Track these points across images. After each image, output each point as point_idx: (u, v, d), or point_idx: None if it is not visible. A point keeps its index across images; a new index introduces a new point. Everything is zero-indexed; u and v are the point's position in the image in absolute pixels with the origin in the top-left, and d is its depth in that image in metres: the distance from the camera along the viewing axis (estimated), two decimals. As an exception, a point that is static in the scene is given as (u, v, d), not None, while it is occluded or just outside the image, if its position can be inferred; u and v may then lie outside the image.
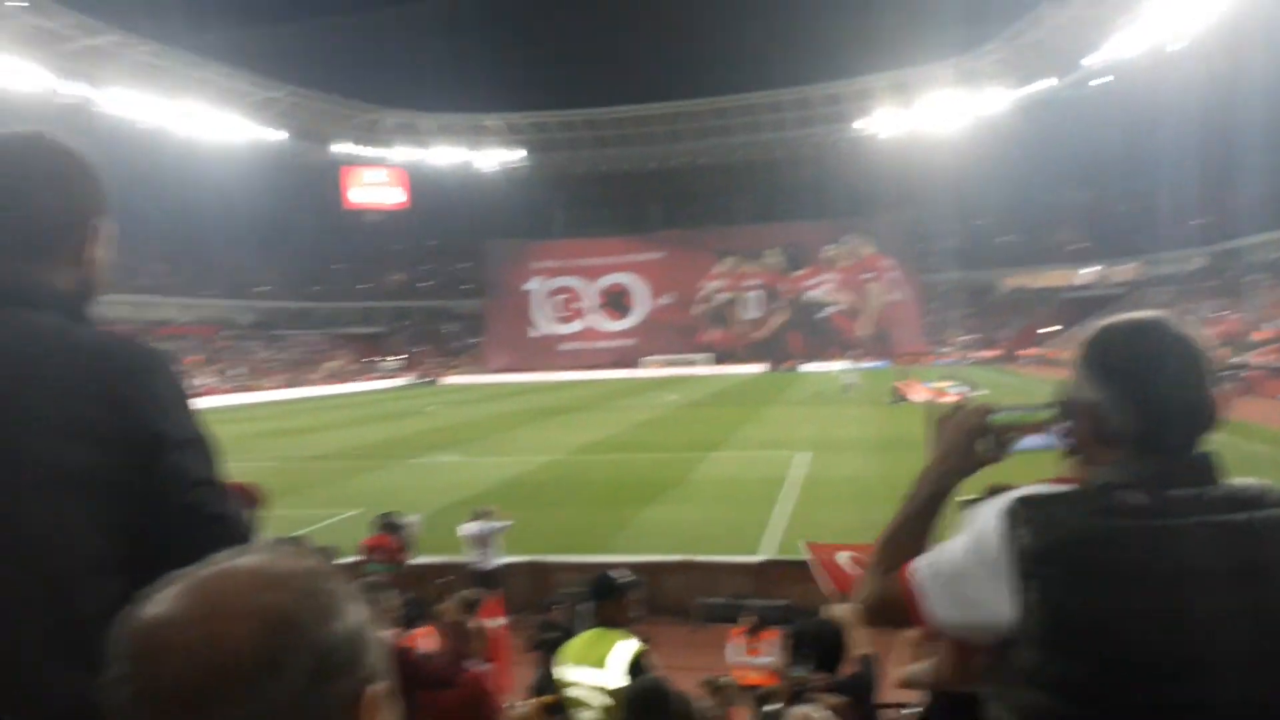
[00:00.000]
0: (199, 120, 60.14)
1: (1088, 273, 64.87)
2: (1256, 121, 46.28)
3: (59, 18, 47.18)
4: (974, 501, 1.47)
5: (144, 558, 1.12)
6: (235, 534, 1.22)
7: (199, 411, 1.34)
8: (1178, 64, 48.49)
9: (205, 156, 60.70)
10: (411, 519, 10.12)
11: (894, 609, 1.42)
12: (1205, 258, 58.18)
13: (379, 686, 0.76)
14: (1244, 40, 43.27)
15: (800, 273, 74.06)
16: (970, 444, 1.53)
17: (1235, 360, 41.30)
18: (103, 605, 1.01)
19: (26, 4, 45.00)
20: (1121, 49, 52.67)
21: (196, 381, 46.33)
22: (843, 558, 6.65)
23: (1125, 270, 63.08)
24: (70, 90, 50.86)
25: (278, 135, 67.72)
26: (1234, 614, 1.23)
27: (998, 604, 1.29)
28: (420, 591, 8.16)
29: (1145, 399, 1.33)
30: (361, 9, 79.29)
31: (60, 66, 49.71)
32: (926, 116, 66.71)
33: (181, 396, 1.32)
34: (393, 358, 71.03)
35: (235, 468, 1.79)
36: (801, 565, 9.09)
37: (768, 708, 4.38)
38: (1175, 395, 1.33)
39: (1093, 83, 58.68)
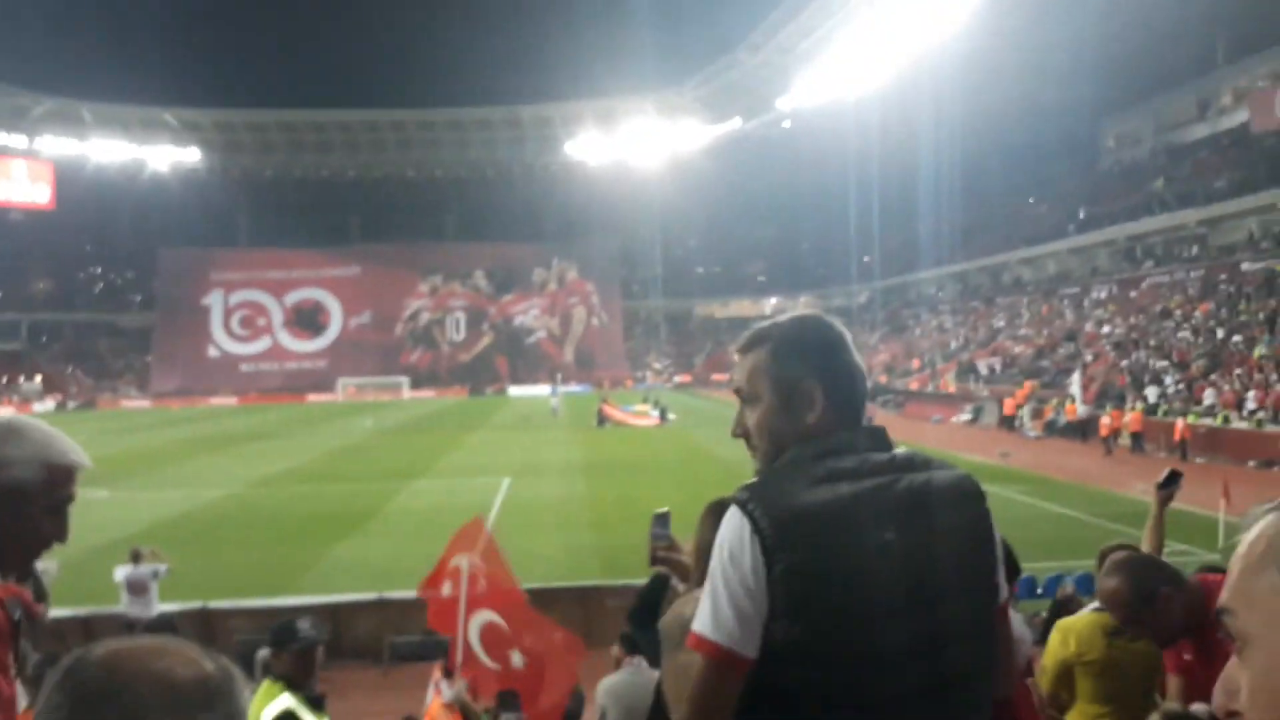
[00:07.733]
0: None
1: (770, 303, 70.21)
2: (927, 168, 52.28)
3: None
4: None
5: None
6: None
7: None
8: (857, 112, 53.31)
9: None
10: (46, 565, 8.11)
11: (719, 683, 1.35)
12: (872, 292, 64.93)
13: None
14: (919, 94, 48.43)
15: (509, 297, 72.83)
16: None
17: (894, 385, 46.19)
18: None
19: None
20: (804, 96, 57.31)
21: None
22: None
23: (801, 302, 68.88)
24: None
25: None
26: (907, 558, 1.35)
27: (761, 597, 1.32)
28: (60, 648, 6.55)
29: (838, 371, 1.49)
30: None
31: None
32: (632, 147, 68.38)
33: None
34: (36, 378, 60.98)
35: None
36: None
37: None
38: (857, 371, 1.51)
39: (783, 124, 63.15)
